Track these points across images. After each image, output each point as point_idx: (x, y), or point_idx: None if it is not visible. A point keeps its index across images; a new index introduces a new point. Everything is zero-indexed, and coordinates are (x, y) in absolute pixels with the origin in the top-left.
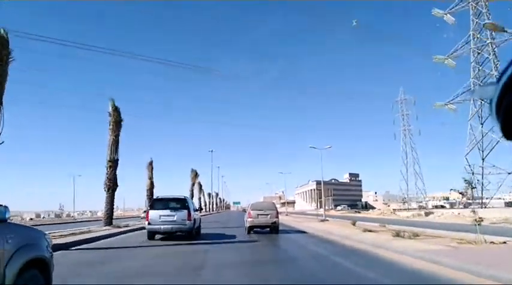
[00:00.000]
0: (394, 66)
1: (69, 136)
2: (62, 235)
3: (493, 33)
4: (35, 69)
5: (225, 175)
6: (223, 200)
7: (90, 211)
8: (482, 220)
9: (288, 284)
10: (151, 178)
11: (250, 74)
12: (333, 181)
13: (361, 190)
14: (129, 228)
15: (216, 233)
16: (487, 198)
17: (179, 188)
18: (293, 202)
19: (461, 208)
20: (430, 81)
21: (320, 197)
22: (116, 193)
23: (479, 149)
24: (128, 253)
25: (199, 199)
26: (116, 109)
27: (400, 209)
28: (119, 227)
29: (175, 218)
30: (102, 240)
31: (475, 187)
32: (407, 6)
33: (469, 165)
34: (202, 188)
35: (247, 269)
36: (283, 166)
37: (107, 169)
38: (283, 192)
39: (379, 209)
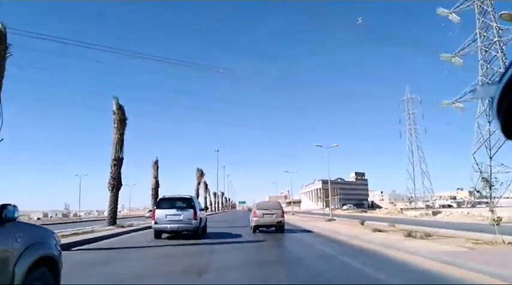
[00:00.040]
0: (397, 65)
1: (73, 135)
2: (63, 235)
3: (500, 31)
4: (34, 67)
5: (230, 175)
6: (229, 200)
7: (97, 211)
8: (500, 219)
9: (294, 284)
10: (156, 177)
11: (250, 74)
12: (339, 180)
13: (367, 190)
14: (132, 228)
15: (222, 233)
16: (495, 197)
17: (185, 188)
18: (299, 202)
19: (468, 207)
20: (435, 80)
21: (326, 197)
22: (121, 192)
23: (486, 147)
24: (129, 254)
25: (205, 198)
26: (120, 108)
27: (407, 209)
28: (122, 226)
29: (181, 218)
30: (105, 241)
31: (493, 185)
32: (408, 5)
33: (477, 164)
34: (208, 187)
35: (253, 269)
36: (288, 166)
37: (112, 167)
38: (288, 191)
39: (386, 209)
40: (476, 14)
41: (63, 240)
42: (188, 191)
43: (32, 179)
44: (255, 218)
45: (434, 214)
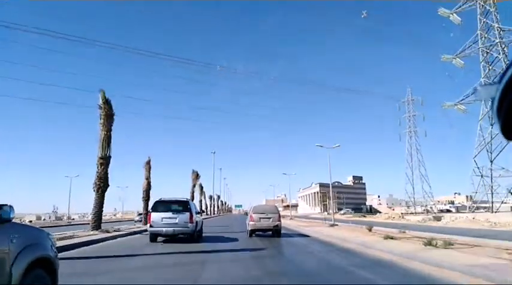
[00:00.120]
0: (397, 66)
1: (65, 136)
2: None
3: (502, 32)
4: (29, 65)
5: (226, 177)
6: (225, 203)
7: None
8: None
9: None
10: (148, 179)
11: (250, 74)
12: (336, 183)
13: (365, 194)
14: (119, 233)
15: (218, 237)
16: (493, 202)
17: (179, 190)
18: (296, 205)
19: (470, 212)
20: (435, 82)
21: (324, 201)
22: (116, 195)
23: (488, 151)
24: (104, 265)
25: (200, 201)
26: (107, 102)
27: (407, 213)
28: (107, 231)
29: (177, 221)
30: (82, 248)
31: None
32: (409, 5)
33: (478, 167)
34: (204, 190)
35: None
36: (284, 169)
37: (98, 167)
38: (285, 195)
39: (386, 213)
40: (478, 15)
41: None
42: (183, 194)
43: (20, 180)
44: (251, 222)
45: (437, 219)
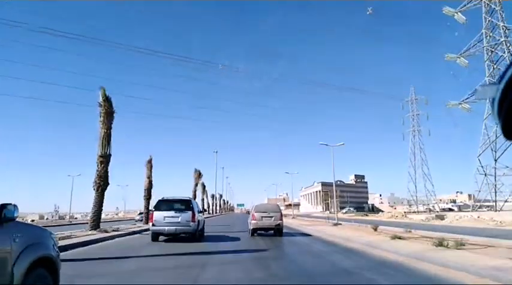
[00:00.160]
0: (401, 66)
1: (67, 135)
2: None
3: (507, 31)
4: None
5: (229, 176)
6: (227, 202)
7: None
8: None
9: None
10: (150, 177)
11: (250, 73)
12: (338, 182)
13: (367, 193)
14: (117, 233)
15: (219, 236)
16: (496, 201)
17: (181, 189)
18: (297, 204)
19: (474, 211)
20: (439, 81)
21: (326, 200)
22: (118, 194)
23: (492, 149)
24: (99, 268)
25: (202, 200)
26: (107, 99)
27: (410, 212)
28: (106, 231)
29: (179, 220)
30: (79, 249)
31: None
32: (413, 4)
33: (482, 166)
34: (206, 189)
35: None
36: (286, 168)
37: (98, 165)
38: (287, 194)
39: (389, 212)
40: (483, 13)
41: None
42: (185, 193)
43: (21, 180)
44: (253, 221)
45: (440, 218)
